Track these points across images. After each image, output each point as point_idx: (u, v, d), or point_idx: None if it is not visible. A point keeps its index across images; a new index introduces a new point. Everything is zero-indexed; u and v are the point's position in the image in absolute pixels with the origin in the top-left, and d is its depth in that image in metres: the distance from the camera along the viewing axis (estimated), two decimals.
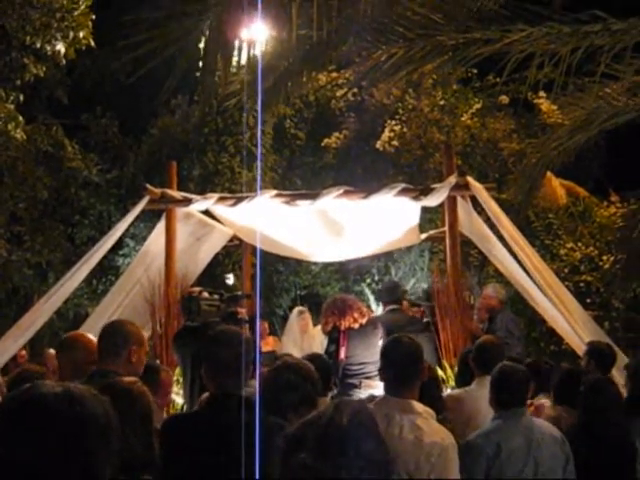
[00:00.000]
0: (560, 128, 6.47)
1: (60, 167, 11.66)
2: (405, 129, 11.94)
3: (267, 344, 8.06)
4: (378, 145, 11.89)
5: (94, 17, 7.94)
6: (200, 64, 5.34)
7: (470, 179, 6.83)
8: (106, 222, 12.25)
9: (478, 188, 6.67)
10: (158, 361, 6.21)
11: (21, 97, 8.49)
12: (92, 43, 8.05)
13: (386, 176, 11.03)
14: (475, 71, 12.19)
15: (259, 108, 6.71)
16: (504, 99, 12.17)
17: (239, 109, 10.18)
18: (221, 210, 7.14)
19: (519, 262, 6.47)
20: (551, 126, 9.60)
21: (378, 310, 9.17)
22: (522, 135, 11.64)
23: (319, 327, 6.54)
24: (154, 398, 2.85)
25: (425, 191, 6.76)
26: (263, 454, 2.06)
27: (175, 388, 5.60)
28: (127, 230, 8.68)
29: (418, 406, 2.98)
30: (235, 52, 4.83)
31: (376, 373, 4.93)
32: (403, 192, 6.72)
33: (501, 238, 6.70)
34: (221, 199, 7.10)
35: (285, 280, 12.82)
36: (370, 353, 5.76)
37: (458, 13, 4.53)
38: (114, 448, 1.40)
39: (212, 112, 12.22)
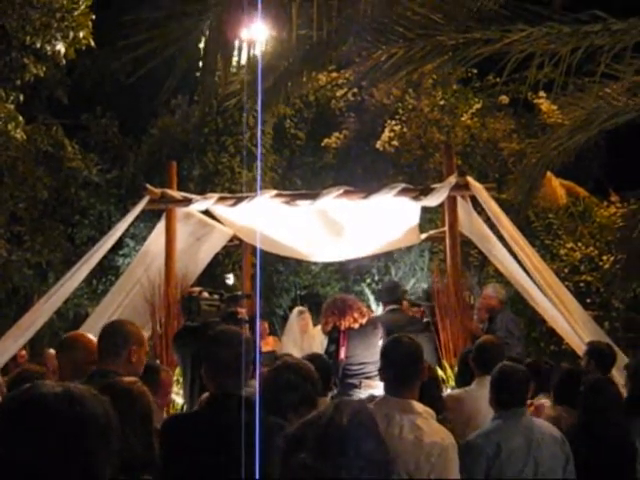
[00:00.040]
0: (560, 128, 6.48)
1: (60, 167, 11.66)
2: (405, 129, 11.94)
3: (267, 344, 8.06)
4: (378, 145, 11.89)
5: (94, 17, 7.94)
6: (200, 64, 5.34)
7: (470, 179, 6.83)
8: (106, 222, 12.25)
9: (478, 188, 6.67)
10: (158, 361, 6.21)
11: (21, 97, 8.49)
12: (92, 43, 8.05)
13: (386, 176, 11.03)
14: (475, 71, 12.19)
15: (259, 108, 6.71)
16: (504, 99, 12.17)
17: (239, 109, 10.18)
18: (221, 210, 7.14)
19: (519, 262, 6.47)
20: (551, 126, 9.60)
21: (378, 310, 9.17)
22: (522, 135, 11.64)
23: (319, 327, 6.54)
24: (154, 398, 2.85)
25: (425, 191, 6.76)
26: (263, 454, 2.06)
27: (175, 388, 5.60)
28: (127, 230, 8.68)
29: (418, 406, 2.98)
30: (235, 52, 4.83)
31: (376, 373, 4.93)
32: (403, 192, 6.72)
33: (501, 238, 6.70)
34: (221, 199, 7.10)
35: (285, 280, 12.82)
36: (370, 353, 5.76)
37: (458, 13, 4.53)
38: (114, 448, 1.40)
39: (212, 112, 12.22)
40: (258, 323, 6.65)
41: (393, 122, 11.97)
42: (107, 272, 11.88)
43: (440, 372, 5.74)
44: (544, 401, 4.40)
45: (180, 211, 7.12)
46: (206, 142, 12.54)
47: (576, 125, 5.83)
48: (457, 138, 11.55)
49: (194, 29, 4.44)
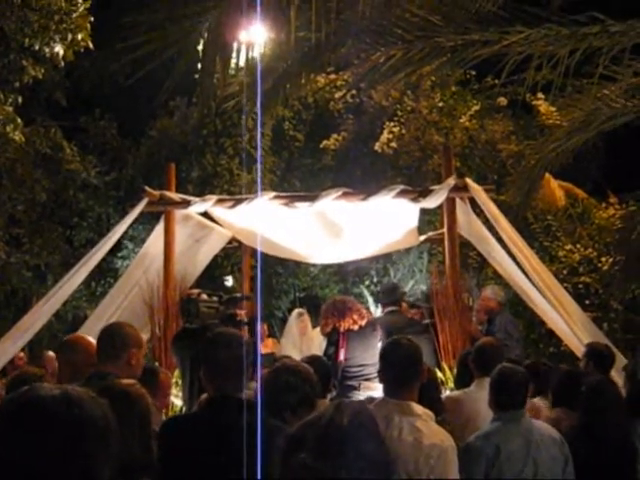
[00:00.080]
0: (558, 130, 6.48)
1: (59, 169, 11.64)
2: (404, 131, 11.94)
3: (266, 346, 8.04)
4: (377, 147, 11.88)
5: (93, 19, 7.94)
6: (199, 66, 5.35)
7: (469, 181, 6.83)
8: (105, 224, 12.24)
9: (477, 190, 6.68)
10: (157, 363, 6.20)
11: (20, 99, 8.48)
12: (91, 45, 8.05)
13: (385, 178, 11.02)
14: (474, 73, 12.19)
15: (258, 110, 6.71)
16: (502, 101, 12.17)
17: (238, 111, 10.18)
18: (220, 212, 7.14)
19: (518, 264, 6.47)
20: (549, 128, 9.60)
21: (377, 312, 9.17)
22: (521, 137, 11.64)
23: (318, 329, 6.55)
24: (153, 400, 2.85)
25: (424, 193, 6.77)
26: (262, 456, 2.06)
27: (174, 390, 5.59)
28: (126, 232, 8.68)
29: (417, 408, 2.98)
30: (234, 54, 4.82)
31: (375, 375, 4.94)
32: (402, 194, 6.73)
33: (500, 240, 6.71)
34: (220, 201, 7.10)
35: (284, 282, 12.80)
36: (369, 355, 5.76)
37: (456, 15, 4.54)
38: (113, 451, 1.40)
39: (211, 114, 12.21)
40: (259, 325, 6.65)
41: (392, 124, 11.97)
42: (106, 274, 11.86)
43: (439, 374, 5.74)
44: (541, 404, 4.40)
45: (179, 213, 7.12)
46: (205, 144, 12.53)
47: (574, 127, 5.84)
48: (456, 140, 11.55)
49: (193, 31, 4.45)
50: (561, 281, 7.63)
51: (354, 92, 12.51)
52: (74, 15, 7.76)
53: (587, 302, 9.28)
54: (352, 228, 7.16)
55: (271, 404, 2.72)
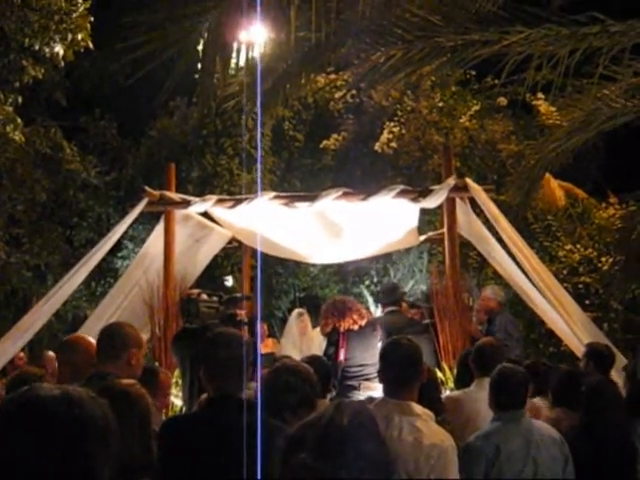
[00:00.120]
0: (558, 130, 6.48)
1: (59, 169, 11.64)
2: (404, 131, 11.94)
3: (266, 346, 8.04)
4: (377, 147, 11.88)
5: (93, 19, 7.94)
6: (199, 66, 5.35)
7: (469, 181, 6.83)
8: (105, 224, 12.24)
9: (477, 190, 6.67)
10: (157, 363, 6.20)
11: (20, 99, 8.48)
12: (91, 45, 8.05)
13: (385, 178, 11.02)
14: (474, 73, 12.19)
15: (258, 110, 6.71)
16: (502, 101, 12.17)
17: (238, 111, 10.17)
18: (220, 212, 7.14)
19: (518, 264, 6.47)
20: (549, 128, 9.60)
21: (377, 312, 9.17)
22: (521, 137, 11.63)
23: (318, 329, 6.55)
24: (153, 400, 2.85)
25: (424, 193, 6.77)
26: (262, 457, 2.06)
27: (174, 390, 5.60)
28: (126, 232, 8.67)
29: (417, 408, 2.98)
30: (234, 54, 4.82)
31: (375, 375, 4.94)
32: (402, 194, 6.73)
33: (500, 240, 6.71)
34: (220, 201, 7.10)
35: (284, 282, 12.80)
36: (369, 355, 5.76)
37: (456, 15, 4.53)
38: (113, 451, 1.40)
39: (211, 114, 12.21)
40: (259, 325, 6.65)
41: (392, 124, 11.96)
42: (106, 274, 11.86)
43: (439, 374, 5.74)
44: (541, 404, 4.40)
45: (179, 213, 7.12)
46: (205, 144, 12.53)
47: (574, 127, 5.84)
48: (456, 140, 11.55)
49: (193, 31, 4.45)
50: (561, 281, 7.63)
51: (354, 92, 12.51)
52: (74, 15, 7.76)
53: (587, 302, 9.28)
54: (352, 228, 7.16)
55: (271, 404, 2.72)
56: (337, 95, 13.05)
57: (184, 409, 5.45)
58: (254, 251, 8.05)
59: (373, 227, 7.17)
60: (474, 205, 6.89)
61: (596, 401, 3.82)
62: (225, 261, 11.52)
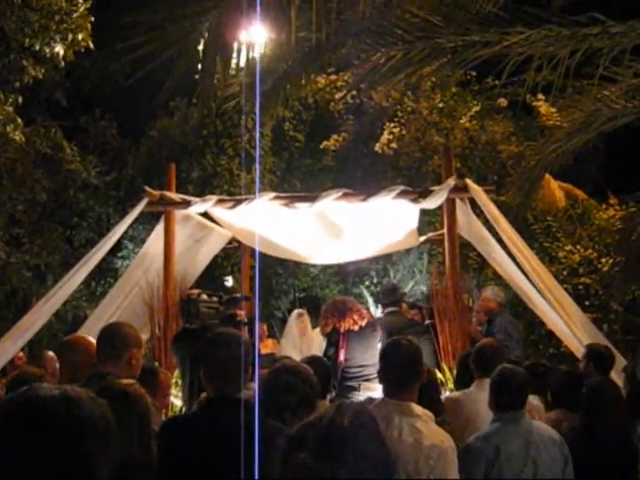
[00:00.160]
0: (559, 130, 6.49)
1: (59, 169, 11.64)
2: (404, 131, 11.94)
3: (266, 346, 8.04)
4: (377, 147, 11.88)
5: (93, 19, 7.94)
6: (199, 66, 5.34)
7: (469, 181, 6.83)
8: (105, 224, 12.23)
9: (477, 190, 6.67)
10: (157, 363, 6.20)
11: (20, 99, 8.48)
12: (91, 45, 8.05)
13: (385, 178, 11.02)
14: (474, 74, 12.19)
15: (258, 110, 6.71)
16: (503, 102, 12.17)
17: (238, 111, 10.17)
18: (220, 212, 7.14)
19: (518, 265, 6.47)
20: (550, 128, 9.61)
21: (377, 312, 9.17)
22: (521, 137, 11.64)
23: (318, 329, 6.54)
24: (152, 400, 2.85)
25: (424, 193, 6.77)
26: (261, 457, 2.06)
27: (174, 390, 5.59)
28: (126, 232, 8.68)
29: (417, 408, 2.98)
30: (234, 54, 4.82)
31: (375, 375, 4.94)
32: (402, 194, 6.72)
33: (500, 240, 6.70)
34: (220, 201, 7.10)
35: (284, 282, 12.80)
36: (369, 355, 5.76)
37: (457, 15, 4.53)
38: (112, 451, 1.39)
39: (211, 114, 12.21)
40: (257, 325, 6.65)
41: (392, 124, 11.97)
42: (106, 274, 11.86)
43: (439, 375, 5.74)
44: (534, 401, 4.39)
45: (179, 213, 7.12)
46: (205, 144, 12.53)
47: (575, 127, 5.84)
48: (456, 140, 11.55)
49: (193, 31, 4.45)
50: (561, 282, 7.63)
51: (354, 93, 12.51)
52: (74, 15, 7.76)
53: (587, 303, 9.28)
54: (352, 229, 7.16)
55: (271, 405, 2.72)
56: (337, 96, 13.05)
57: (184, 409, 5.45)
58: (254, 251, 8.05)
59: (373, 228, 7.17)
60: (474, 206, 6.88)
61: (596, 402, 3.82)
62: (225, 261, 11.52)
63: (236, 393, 2.73)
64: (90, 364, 3.37)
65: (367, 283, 12.31)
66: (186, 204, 7.00)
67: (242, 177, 12.15)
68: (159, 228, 7.17)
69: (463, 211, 6.83)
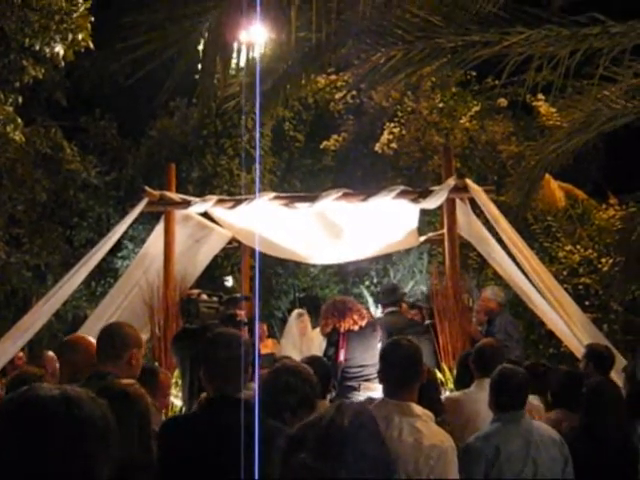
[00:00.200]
0: (559, 130, 6.49)
1: (59, 169, 11.64)
2: (404, 132, 11.94)
3: (266, 346, 8.04)
4: (377, 147, 11.88)
5: (93, 19, 7.94)
6: (199, 66, 5.34)
7: (469, 181, 6.83)
8: (105, 224, 12.24)
9: (477, 190, 6.67)
10: (157, 363, 6.20)
11: (20, 99, 8.48)
12: (91, 45, 8.04)
13: (385, 178, 11.02)
14: (474, 74, 12.19)
15: (258, 110, 6.71)
16: (503, 102, 12.17)
17: (238, 111, 10.17)
18: (220, 212, 7.14)
19: (518, 265, 6.47)
20: (550, 128, 9.61)
21: (377, 312, 9.16)
22: (521, 137, 11.64)
23: (318, 329, 6.54)
24: (152, 400, 2.85)
25: (424, 193, 6.77)
26: (261, 457, 2.05)
27: (174, 390, 5.59)
28: (126, 232, 8.68)
29: (417, 408, 2.98)
30: (234, 54, 4.82)
31: (375, 375, 4.94)
32: (402, 194, 6.72)
33: (500, 240, 6.70)
34: (220, 201, 7.10)
35: (284, 282, 12.80)
36: (369, 355, 5.75)
37: (457, 15, 4.53)
38: (112, 451, 1.39)
39: (211, 114, 12.21)
40: (257, 325, 6.65)
41: (392, 124, 11.97)
42: (106, 274, 11.86)
43: (439, 375, 5.74)
44: (533, 401, 4.39)
45: (179, 213, 7.12)
46: (205, 144, 12.53)
47: (575, 127, 5.84)
48: (456, 140, 11.55)
49: (193, 31, 4.44)
50: (561, 282, 7.63)
51: (354, 93, 12.51)
52: (74, 15, 7.76)
53: (587, 303, 9.28)
54: (352, 229, 7.16)
55: (271, 405, 2.72)
56: (337, 96, 13.05)
57: (184, 409, 5.45)
58: (254, 251, 8.05)
59: (373, 228, 7.17)
60: (474, 206, 6.88)
61: (596, 402, 3.82)
62: (225, 261, 11.52)
63: (236, 393, 2.73)
64: (90, 364, 3.37)
65: (367, 283, 12.31)
66: (186, 204, 7.00)
67: (242, 177, 12.15)
68: (159, 228, 7.17)
69: (463, 211, 6.83)
